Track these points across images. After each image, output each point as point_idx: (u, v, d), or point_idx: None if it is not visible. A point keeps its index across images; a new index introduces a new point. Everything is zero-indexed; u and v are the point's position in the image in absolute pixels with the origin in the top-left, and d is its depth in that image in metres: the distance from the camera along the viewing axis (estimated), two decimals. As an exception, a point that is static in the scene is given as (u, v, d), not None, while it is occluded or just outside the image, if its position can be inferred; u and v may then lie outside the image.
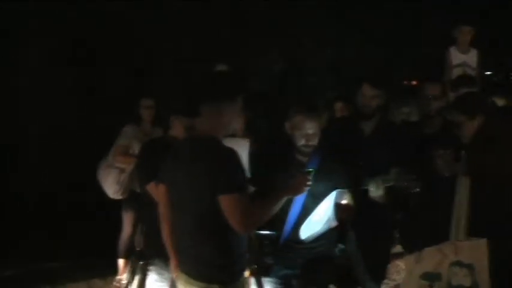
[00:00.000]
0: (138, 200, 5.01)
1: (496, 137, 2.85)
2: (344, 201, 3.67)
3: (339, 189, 3.71)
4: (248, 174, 3.86)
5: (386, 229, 4.24)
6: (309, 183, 3.40)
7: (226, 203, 3.03)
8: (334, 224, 3.71)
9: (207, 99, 3.22)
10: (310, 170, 3.47)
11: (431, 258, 2.71)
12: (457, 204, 2.79)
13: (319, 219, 3.74)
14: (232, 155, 3.11)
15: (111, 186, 5.93)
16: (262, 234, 3.86)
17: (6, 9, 8.62)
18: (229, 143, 3.26)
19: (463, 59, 6.56)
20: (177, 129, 4.15)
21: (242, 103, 3.26)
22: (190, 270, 3.25)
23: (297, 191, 3.40)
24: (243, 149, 3.99)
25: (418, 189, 3.50)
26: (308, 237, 3.81)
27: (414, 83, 11.70)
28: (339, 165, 3.93)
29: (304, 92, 9.79)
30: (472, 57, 6.61)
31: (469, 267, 2.66)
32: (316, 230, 3.77)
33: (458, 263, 2.69)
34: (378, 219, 3.97)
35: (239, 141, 4.09)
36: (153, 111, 6.13)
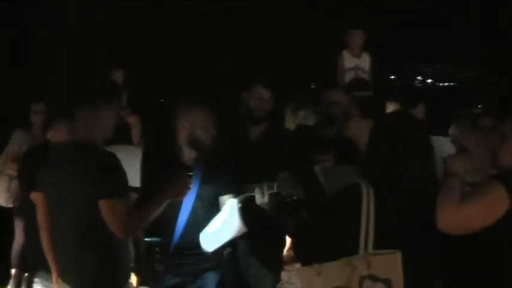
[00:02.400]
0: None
1: (394, 142, 2.73)
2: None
3: (237, 196, 3.64)
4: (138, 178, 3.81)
5: (277, 234, 4.24)
6: (190, 186, 3.39)
7: (105, 207, 2.99)
8: (244, 230, 3.60)
9: (81, 101, 3.17)
10: (190, 174, 3.44)
11: (338, 271, 2.57)
12: (364, 215, 2.67)
13: (223, 230, 3.62)
14: (111, 159, 3.07)
15: (2, 194, 5.76)
16: (151, 241, 3.77)
17: None
18: (122, 151, 3.22)
19: (355, 62, 6.64)
20: (60, 133, 4.04)
21: (120, 106, 3.23)
22: (72, 281, 3.17)
23: (177, 194, 3.37)
24: (135, 158, 3.93)
25: (300, 197, 3.42)
26: (214, 249, 3.69)
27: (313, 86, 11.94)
28: (224, 170, 3.85)
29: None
30: (364, 61, 6.70)
31: (386, 282, 2.57)
32: (223, 241, 3.66)
33: (371, 277, 2.56)
34: (267, 224, 3.92)
35: (132, 150, 4.02)
36: (43, 115, 5.97)
